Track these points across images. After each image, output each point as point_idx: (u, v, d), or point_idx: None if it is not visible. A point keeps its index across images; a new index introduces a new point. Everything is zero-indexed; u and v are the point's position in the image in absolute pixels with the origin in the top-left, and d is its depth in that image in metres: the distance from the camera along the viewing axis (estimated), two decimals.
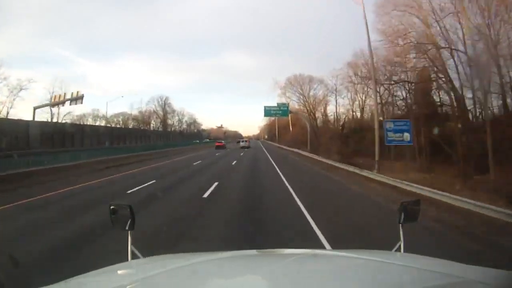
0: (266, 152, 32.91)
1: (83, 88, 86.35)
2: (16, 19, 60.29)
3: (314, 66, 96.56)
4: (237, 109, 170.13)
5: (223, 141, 51.96)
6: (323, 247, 4.41)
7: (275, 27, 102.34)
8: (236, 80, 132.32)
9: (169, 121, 69.38)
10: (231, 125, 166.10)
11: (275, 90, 55.11)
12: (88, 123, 50.67)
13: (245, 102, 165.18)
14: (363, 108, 38.77)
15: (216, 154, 29.34)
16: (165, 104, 65.91)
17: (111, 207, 1.68)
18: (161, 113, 65.77)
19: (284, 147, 41.02)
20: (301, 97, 42.41)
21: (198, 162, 20.47)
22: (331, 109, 42.56)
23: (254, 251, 1.93)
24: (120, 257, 1.63)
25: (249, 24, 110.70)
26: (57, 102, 36.89)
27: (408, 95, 29.48)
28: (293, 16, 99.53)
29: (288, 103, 35.94)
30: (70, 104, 35.95)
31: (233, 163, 19.24)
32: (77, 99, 34.95)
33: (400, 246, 1.71)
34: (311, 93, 42.35)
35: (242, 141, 52.61)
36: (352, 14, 70.40)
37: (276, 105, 33.64)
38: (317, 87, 41.70)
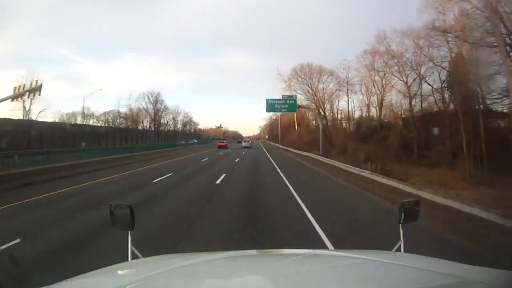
0: (270, 158, 25.64)
1: (82, 88, 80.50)
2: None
3: (319, 62, 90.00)
4: (236, 109, 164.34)
5: (224, 141, 51.83)
6: None
7: (276, 23, 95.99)
8: (236, 79, 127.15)
9: (162, 120, 63.44)
10: (230, 125, 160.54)
11: (278, 83, 48.52)
12: (78, 122, 46.77)
13: (244, 102, 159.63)
14: (381, 103, 32.36)
15: (202, 160, 22.45)
16: (156, 101, 59.35)
17: (111, 207, 1.67)
18: (152, 110, 59.31)
19: (291, 149, 33.70)
20: (309, 90, 35.91)
21: (167, 175, 13.73)
22: (341, 105, 37.04)
23: (254, 251, 1.91)
24: (119, 257, 1.60)
25: (249, 21, 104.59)
26: (15, 95, 30.38)
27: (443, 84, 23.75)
28: (294, 11, 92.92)
29: (295, 96, 29.18)
30: (28, 97, 29.45)
31: (217, 182, 11.74)
32: (35, 90, 28.17)
33: (400, 246, 1.70)
34: (319, 87, 36.01)
35: (244, 141, 51.97)
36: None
37: (281, 97, 26.93)
38: (327, 80, 35.41)
